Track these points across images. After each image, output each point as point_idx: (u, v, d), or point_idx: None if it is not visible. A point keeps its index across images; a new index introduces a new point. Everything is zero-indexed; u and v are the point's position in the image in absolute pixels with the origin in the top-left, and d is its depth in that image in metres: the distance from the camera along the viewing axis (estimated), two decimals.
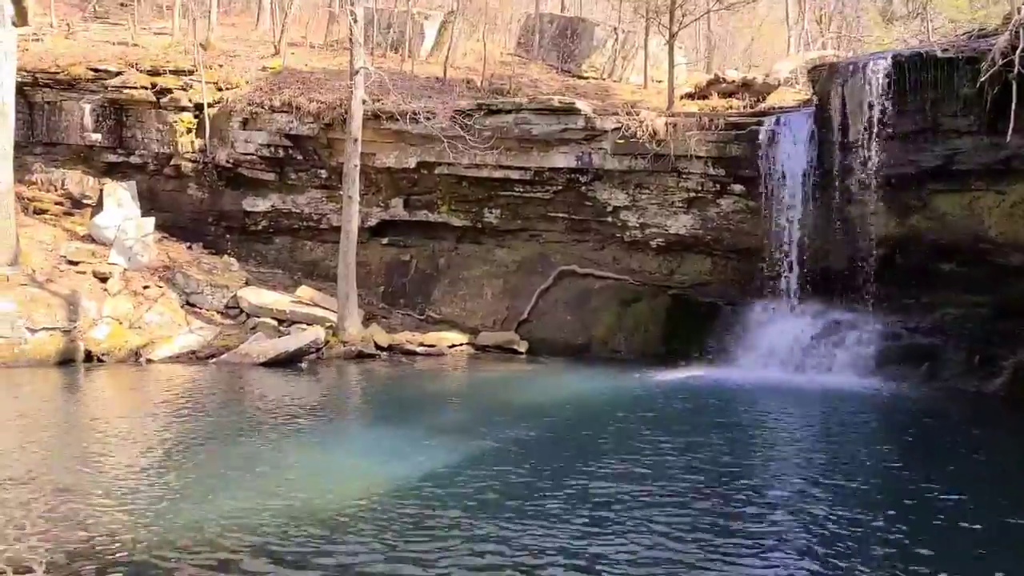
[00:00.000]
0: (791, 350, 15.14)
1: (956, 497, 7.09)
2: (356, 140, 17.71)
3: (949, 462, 8.68)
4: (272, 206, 20.92)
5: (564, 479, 7.72)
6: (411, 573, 5.35)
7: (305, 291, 19.10)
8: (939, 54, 14.18)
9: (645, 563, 5.60)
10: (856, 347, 14.66)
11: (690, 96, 20.44)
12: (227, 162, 20.52)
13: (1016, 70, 12.99)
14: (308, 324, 17.65)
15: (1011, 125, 13.33)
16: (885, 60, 14.59)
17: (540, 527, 6.24)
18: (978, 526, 6.14)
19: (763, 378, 14.40)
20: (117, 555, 5.63)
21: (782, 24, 30.52)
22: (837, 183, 15.67)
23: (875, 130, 14.77)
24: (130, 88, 20.23)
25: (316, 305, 18.66)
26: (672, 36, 20.70)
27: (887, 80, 14.44)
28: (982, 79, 13.47)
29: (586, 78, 23.27)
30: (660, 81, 21.82)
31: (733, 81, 20.71)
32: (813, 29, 28.98)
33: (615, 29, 24.85)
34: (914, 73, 14.29)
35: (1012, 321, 14.01)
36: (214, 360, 16.17)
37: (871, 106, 14.68)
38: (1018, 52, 12.97)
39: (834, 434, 10.03)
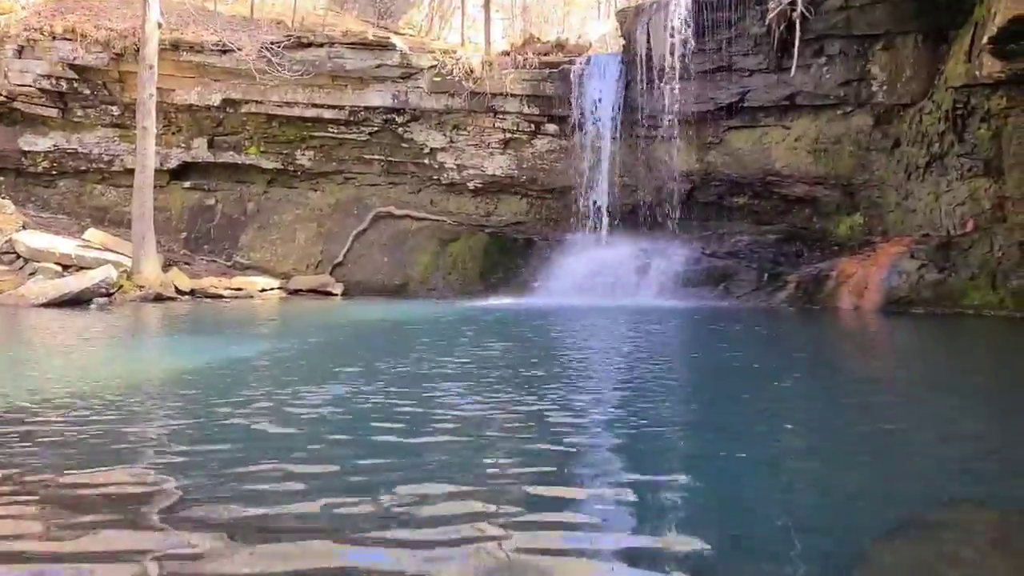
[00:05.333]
0: (601, 277, 15.65)
1: (752, 366, 7.60)
2: (151, 67, 16.32)
3: (745, 345, 9.25)
4: (55, 145, 18.90)
5: (364, 362, 7.44)
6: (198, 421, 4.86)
7: (95, 234, 17.43)
8: None
9: (421, 401, 5.51)
10: (660, 272, 15.42)
11: (506, 55, 20.71)
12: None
13: (799, 9, 14.11)
14: None
15: (795, 62, 14.48)
16: None
17: (333, 389, 5.96)
18: (773, 383, 6.62)
19: (574, 303, 14.74)
20: None
21: None
22: (643, 121, 16.38)
23: (676, 68, 15.55)
24: None
25: (108, 249, 17.06)
26: None
27: (687, 18, 15.24)
28: (769, 18, 14.55)
29: (403, 35, 22.90)
30: (476, 42, 21.90)
31: (548, 41, 21.24)
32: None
33: None
34: (711, 13, 15.19)
35: (794, 244, 15.32)
36: None
37: (672, 44, 15.44)
38: None
39: (634, 337, 10.37)
